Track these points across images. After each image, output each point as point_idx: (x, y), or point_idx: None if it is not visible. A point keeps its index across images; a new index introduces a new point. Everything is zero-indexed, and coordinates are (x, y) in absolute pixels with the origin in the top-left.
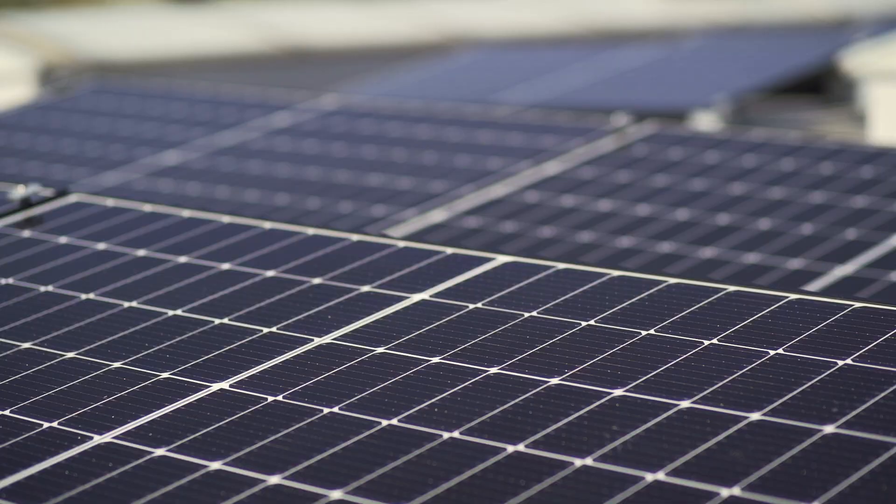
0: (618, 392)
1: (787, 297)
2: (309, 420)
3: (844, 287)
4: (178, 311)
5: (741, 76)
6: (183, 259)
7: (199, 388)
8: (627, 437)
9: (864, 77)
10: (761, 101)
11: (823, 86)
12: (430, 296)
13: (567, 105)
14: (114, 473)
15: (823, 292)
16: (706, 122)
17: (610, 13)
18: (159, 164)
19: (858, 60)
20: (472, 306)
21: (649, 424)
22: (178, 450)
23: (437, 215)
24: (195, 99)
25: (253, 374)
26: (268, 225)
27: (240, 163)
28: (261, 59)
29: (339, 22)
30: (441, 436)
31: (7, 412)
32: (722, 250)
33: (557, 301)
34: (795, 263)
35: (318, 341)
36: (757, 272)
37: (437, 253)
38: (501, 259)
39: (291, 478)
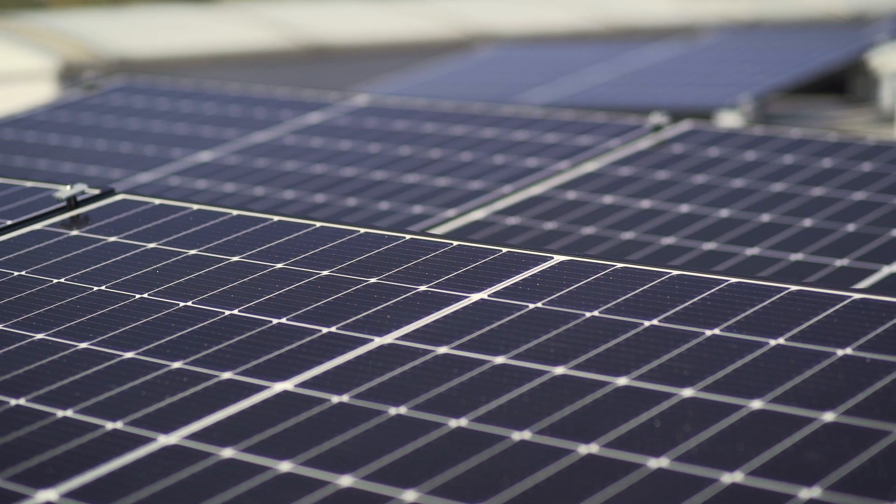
0: (687, 392)
1: (850, 297)
2: (377, 421)
3: (894, 286)
4: (235, 311)
5: (763, 74)
6: (235, 258)
7: (262, 388)
8: (701, 437)
9: (891, 75)
10: (784, 100)
11: (845, 84)
12: (489, 295)
13: (590, 103)
14: (182, 475)
15: (882, 292)
16: (731, 120)
17: (627, 10)
18: (194, 163)
19: (884, 58)
20: (532, 306)
21: (722, 425)
22: (245, 451)
23: (478, 214)
24: (226, 97)
25: (316, 375)
26: (318, 224)
27: (275, 161)
28: (281, 57)
29: (358, 19)
30: (512, 436)
31: (69, 413)
32: (766, 249)
33: (618, 301)
34: (842, 262)
35: (378, 341)
36: (804, 270)
37: (492, 252)
38: (558, 258)
39: (363, 479)
